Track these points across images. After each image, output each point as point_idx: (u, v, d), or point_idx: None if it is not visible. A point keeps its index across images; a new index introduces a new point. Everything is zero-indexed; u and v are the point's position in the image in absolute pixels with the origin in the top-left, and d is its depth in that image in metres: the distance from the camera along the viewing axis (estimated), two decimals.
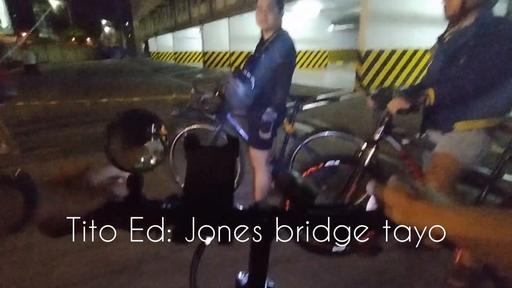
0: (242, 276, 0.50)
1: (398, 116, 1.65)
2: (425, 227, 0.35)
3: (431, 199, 0.37)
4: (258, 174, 2.23)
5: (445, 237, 0.34)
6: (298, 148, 2.53)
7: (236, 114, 2.55)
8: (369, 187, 0.42)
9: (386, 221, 0.40)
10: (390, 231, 0.41)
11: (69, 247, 2.02)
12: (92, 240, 2.07)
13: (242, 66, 2.23)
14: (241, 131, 2.54)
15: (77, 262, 1.91)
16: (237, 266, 1.75)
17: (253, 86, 1.94)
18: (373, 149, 1.81)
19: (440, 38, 1.68)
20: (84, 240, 2.07)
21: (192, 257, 0.49)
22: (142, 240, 2.05)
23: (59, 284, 1.73)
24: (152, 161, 0.45)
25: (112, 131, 0.43)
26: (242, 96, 1.97)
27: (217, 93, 2.35)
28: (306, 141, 2.51)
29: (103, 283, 1.75)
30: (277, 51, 1.93)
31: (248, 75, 1.95)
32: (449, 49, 1.58)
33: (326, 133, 2.54)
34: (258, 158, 2.19)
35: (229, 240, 0.39)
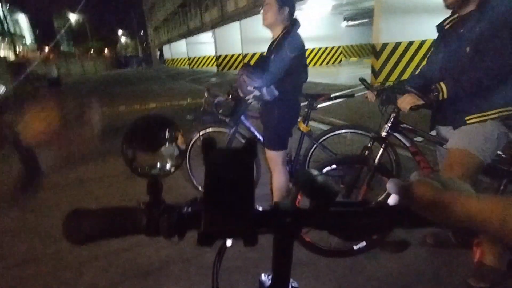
0: (265, 278, 0.49)
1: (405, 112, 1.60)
2: (454, 219, 0.35)
3: (459, 190, 0.37)
4: (275, 175, 2.23)
5: (477, 229, 0.34)
6: (314, 147, 2.50)
7: (250, 116, 2.56)
8: (390, 184, 0.41)
9: (413, 216, 0.39)
10: (417, 226, 0.40)
11: (96, 253, 2.09)
12: (119, 246, 2.15)
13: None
14: (256, 133, 2.55)
15: (104, 268, 1.98)
16: (259, 267, 1.76)
17: (264, 83, 1.95)
18: (382, 147, 1.76)
19: (440, 26, 1.60)
20: (111, 246, 2.15)
21: (214, 258, 0.50)
22: (166, 245, 2.11)
23: None
24: (170, 166, 0.45)
25: (129, 137, 0.44)
26: (253, 88, 1.98)
27: (230, 95, 2.37)
28: (321, 139, 2.49)
29: (130, 286, 1.80)
30: (286, 47, 1.93)
31: (259, 75, 1.96)
32: (452, 37, 1.50)
33: (341, 131, 2.50)
34: (274, 159, 2.19)
35: (254, 241, 0.39)
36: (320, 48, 15.87)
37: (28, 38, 40.87)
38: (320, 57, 16.18)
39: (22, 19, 40.74)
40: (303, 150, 2.54)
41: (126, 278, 1.86)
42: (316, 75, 11.09)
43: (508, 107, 1.44)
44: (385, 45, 7.91)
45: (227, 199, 0.39)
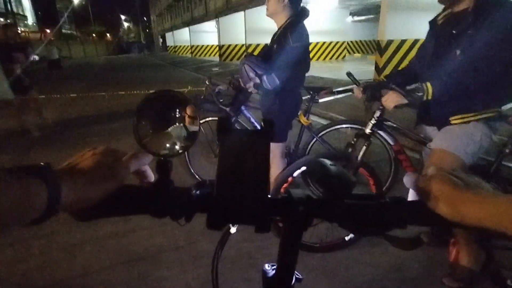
0: (268, 267, 0.49)
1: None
2: (474, 217, 0.33)
3: (479, 188, 0.35)
4: (273, 166, 2.22)
5: (496, 228, 0.32)
6: (313, 141, 2.49)
7: (251, 106, 2.54)
8: (407, 179, 0.40)
9: (429, 213, 0.37)
10: (433, 224, 0.39)
11: (90, 236, 2.09)
12: (112, 230, 2.15)
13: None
14: (256, 123, 2.53)
15: (98, 251, 1.98)
16: (253, 258, 1.76)
17: (266, 71, 1.93)
18: (365, 144, 1.74)
19: (433, 22, 1.57)
20: (105, 230, 2.15)
21: (216, 245, 0.48)
22: (159, 231, 2.11)
23: (81, 271, 1.80)
24: (180, 146, 0.43)
25: (141, 114, 0.41)
26: (254, 75, 1.96)
27: (232, 85, 2.35)
28: (321, 133, 2.48)
29: (122, 271, 1.80)
30: (289, 37, 1.90)
31: (262, 64, 1.94)
32: (444, 36, 1.47)
33: (341, 126, 2.49)
34: (273, 151, 2.18)
35: (267, 228, 0.37)
36: (324, 42, 15.72)
37: (30, 19, 40.33)
38: (324, 51, 16.04)
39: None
40: (302, 143, 2.52)
41: (118, 263, 1.87)
42: (319, 69, 11.01)
43: (491, 109, 1.44)
44: (390, 42, 7.83)
45: (241, 183, 0.37)
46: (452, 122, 1.47)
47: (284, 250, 0.45)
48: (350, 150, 1.77)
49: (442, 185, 0.36)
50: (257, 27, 13.97)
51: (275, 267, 0.47)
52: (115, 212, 0.40)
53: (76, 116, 5.91)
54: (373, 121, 1.72)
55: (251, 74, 1.97)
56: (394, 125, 1.75)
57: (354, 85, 1.90)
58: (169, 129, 0.43)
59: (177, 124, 0.43)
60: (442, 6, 1.50)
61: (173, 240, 2.04)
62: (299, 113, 2.36)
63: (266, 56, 2.03)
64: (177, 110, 0.43)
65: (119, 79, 12.27)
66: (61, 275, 1.78)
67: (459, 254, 1.55)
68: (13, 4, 31.56)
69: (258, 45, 14.68)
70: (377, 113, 1.71)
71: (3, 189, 0.30)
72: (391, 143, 1.76)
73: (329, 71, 10.86)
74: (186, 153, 2.70)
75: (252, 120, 2.57)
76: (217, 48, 19.07)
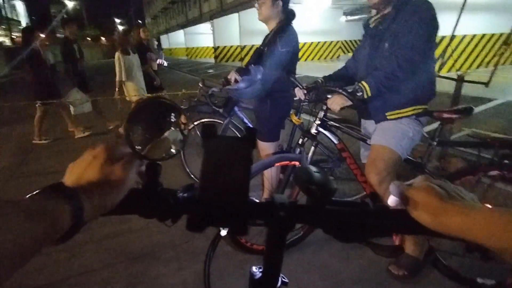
0: (256, 270, 0.49)
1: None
2: (457, 228, 0.34)
3: (462, 199, 0.36)
4: None
5: (476, 240, 0.33)
6: (305, 141, 2.55)
7: (244, 107, 2.60)
8: (392, 187, 0.40)
9: (412, 222, 0.38)
10: (416, 233, 0.39)
11: (90, 236, 2.14)
12: (111, 230, 2.20)
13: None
14: (249, 124, 2.59)
15: (97, 251, 2.03)
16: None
17: (258, 78, 1.99)
18: (313, 145, 1.81)
19: (366, 25, 1.71)
20: (104, 230, 2.20)
21: (208, 247, 0.50)
22: (157, 231, 2.16)
23: (80, 270, 1.85)
24: (172, 150, 0.45)
25: (132, 119, 0.43)
26: (250, 92, 2.02)
27: (225, 87, 2.40)
28: None
29: (120, 269, 1.85)
30: (278, 42, 1.96)
31: (252, 69, 2.00)
32: (374, 34, 1.61)
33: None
34: (266, 150, 2.24)
35: (244, 232, 0.39)
36: (318, 42, 15.81)
37: (24, 23, 40.16)
38: (318, 51, 16.13)
39: (19, 4, 40.02)
40: (294, 142, 2.58)
41: (118, 261, 1.92)
42: (313, 69, 11.08)
43: (420, 105, 1.58)
44: None
45: (223, 187, 0.38)
46: (388, 117, 1.60)
47: (269, 253, 0.46)
48: (299, 150, 1.83)
49: (426, 195, 0.36)
50: (251, 28, 14.02)
51: (261, 269, 0.49)
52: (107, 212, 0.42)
53: None
54: (317, 122, 1.79)
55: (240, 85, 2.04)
56: (337, 125, 1.82)
57: (297, 87, 1.99)
58: (166, 134, 0.45)
59: (173, 128, 0.46)
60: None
61: (170, 239, 2.09)
62: (290, 113, 2.42)
63: (258, 59, 2.09)
64: (172, 115, 0.45)
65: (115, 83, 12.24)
66: (61, 274, 1.82)
67: (404, 243, 1.66)
68: (7, 10, 31.39)
69: (252, 46, 14.75)
70: (321, 114, 1.78)
71: (31, 217, 0.31)
72: (335, 142, 1.83)
73: (323, 71, 10.91)
74: (182, 153, 2.76)
75: (245, 120, 2.63)
76: (212, 49, 19.11)
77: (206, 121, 2.62)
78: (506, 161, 1.41)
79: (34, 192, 0.34)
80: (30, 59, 4.06)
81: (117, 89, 4.32)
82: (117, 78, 4.22)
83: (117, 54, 4.17)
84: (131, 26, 4.15)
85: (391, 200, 0.41)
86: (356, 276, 1.73)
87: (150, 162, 0.43)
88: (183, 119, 0.46)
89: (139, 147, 0.43)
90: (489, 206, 0.34)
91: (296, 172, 0.47)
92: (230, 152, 0.40)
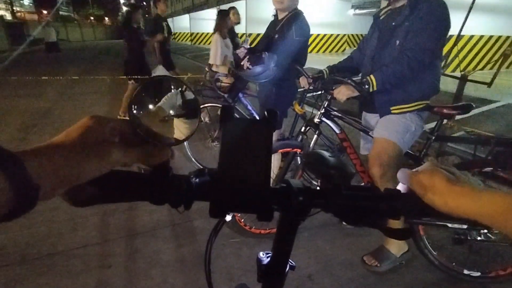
0: (263, 256, 0.49)
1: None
2: (463, 210, 0.35)
3: (469, 182, 0.37)
4: None
5: (483, 221, 0.34)
6: (307, 129, 2.59)
7: (248, 94, 2.63)
8: (401, 174, 0.41)
9: (422, 205, 0.39)
10: (425, 215, 0.40)
11: (91, 212, 2.20)
12: (113, 208, 2.25)
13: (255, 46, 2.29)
14: (253, 111, 2.62)
15: (98, 226, 2.09)
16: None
17: (272, 66, 2.01)
18: (316, 133, 1.85)
19: (376, 17, 1.72)
20: (105, 207, 2.26)
21: (210, 233, 0.49)
22: (157, 209, 2.22)
23: (82, 243, 1.91)
24: (182, 134, 0.41)
25: (137, 102, 0.39)
26: (264, 77, 2.04)
27: (230, 72, 2.43)
28: None
29: (121, 244, 1.92)
30: (293, 30, 1.98)
31: (264, 55, 2.02)
32: (385, 29, 1.62)
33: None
34: None
35: (269, 217, 0.37)
36: (325, 35, 15.66)
37: None
38: (324, 44, 16.00)
39: None
40: (296, 131, 2.62)
41: (118, 237, 1.98)
42: (318, 61, 11.01)
43: (423, 100, 1.62)
44: None
45: (243, 171, 0.37)
46: (393, 111, 1.64)
47: (281, 238, 0.45)
48: (301, 138, 1.87)
49: (435, 178, 0.37)
50: (258, 16, 13.89)
51: (269, 255, 0.48)
52: (112, 199, 0.39)
53: None
54: (321, 111, 1.82)
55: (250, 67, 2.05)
56: (340, 115, 1.86)
57: (302, 76, 2.01)
58: (163, 100, 0.41)
59: (171, 92, 0.41)
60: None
61: (170, 218, 2.15)
62: (294, 102, 2.46)
63: (267, 46, 2.10)
64: (179, 95, 0.41)
65: (119, 63, 12.20)
66: (63, 246, 1.89)
67: (387, 238, 1.73)
68: None
69: (258, 34, 14.61)
70: (325, 104, 1.82)
71: None
72: (337, 131, 1.87)
73: (328, 63, 10.86)
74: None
75: (249, 107, 2.66)
76: None
77: (210, 107, 2.65)
78: (500, 159, 1.46)
79: None
80: (130, 38, 4.12)
81: (207, 71, 3.99)
82: (211, 61, 3.90)
83: (215, 36, 3.90)
84: (228, 9, 3.92)
85: (400, 188, 0.42)
86: (348, 261, 1.80)
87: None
88: (195, 101, 0.42)
89: (149, 131, 0.39)
90: (497, 189, 0.35)
91: (308, 157, 0.47)
92: (250, 135, 0.38)
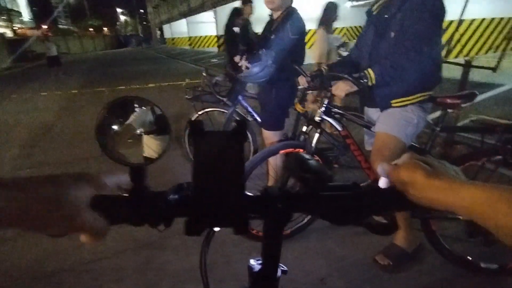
0: (254, 263, 0.49)
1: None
2: (443, 203, 0.35)
3: (447, 173, 0.37)
4: None
5: (462, 214, 0.34)
6: (309, 129, 2.55)
7: (248, 96, 2.60)
8: (380, 168, 0.41)
9: (403, 199, 0.39)
10: (407, 209, 0.40)
11: None
12: None
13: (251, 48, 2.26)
14: (253, 113, 2.59)
15: (106, 239, 2.06)
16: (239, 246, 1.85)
17: (269, 62, 1.98)
18: (317, 132, 1.81)
19: (369, 12, 1.68)
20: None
21: (202, 244, 0.49)
22: None
23: (90, 258, 1.90)
24: (153, 153, 0.41)
25: (103, 124, 0.40)
26: (263, 75, 2.02)
27: (228, 75, 2.40)
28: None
29: (130, 256, 1.90)
30: (288, 29, 1.95)
31: (263, 53, 1.99)
32: (378, 22, 1.58)
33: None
34: (271, 139, 2.25)
35: (245, 230, 0.38)
36: None
37: (26, 15, 40.11)
38: None
39: None
40: (299, 131, 2.59)
41: (127, 248, 1.97)
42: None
43: (425, 92, 1.57)
44: None
45: (217, 185, 0.37)
46: (393, 105, 1.59)
47: (267, 245, 0.45)
48: (302, 138, 1.83)
49: (413, 172, 0.37)
50: (254, 16, 13.84)
51: (260, 261, 0.48)
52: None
53: None
54: (322, 109, 1.79)
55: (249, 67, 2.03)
56: (341, 112, 1.82)
57: (300, 75, 1.97)
58: (130, 119, 0.42)
59: (138, 110, 0.42)
60: None
61: (177, 227, 2.12)
62: (295, 102, 2.42)
63: (264, 46, 2.07)
64: (146, 113, 0.41)
65: (118, 73, 12.28)
66: (72, 262, 1.88)
67: (396, 235, 1.68)
68: (7, 1, 31.27)
69: (255, 34, 14.56)
70: (325, 101, 1.77)
71: None
72: (339, 129, 1.83)
73: None
74: (187, 142, 2.78)
75: (250, 109, 2.63)
76: (216, 38, 18.91)
77: (210, 111, 2.63)
78: (509, 146, 1.41)
79: None
80: (233, 39, 4.08)
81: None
82: (317, 59, 3.50)
83: (320, 32, 3.47)
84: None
85: (382, 182, 0.42)
86: (360, 261, 1.75)
87: (131, 168, 0.40)
88: (162, 118, 0.43)
89: (115, 153, 0.40)
90: (476, 181, 0.35)
91: (287, 160, 0.47)
92: (221, 147, 0.38)
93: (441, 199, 0.35)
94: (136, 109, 0.42)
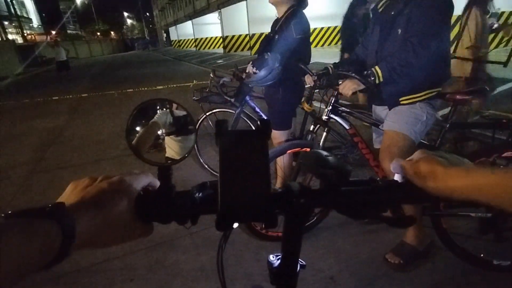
0: (273, 258, 0.50)
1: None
2: (464, 191, 0.36)
3: (460, 163, 0.39)
4: None
5: (480, 199, 0.35)
6: (317, 127, 2.55)
7: (255, 96, 2.61)
8: (394, 165, 0.42)
9: (419, 192, 0.40)
10: (424, 201, 0.42)
11: None
12: None
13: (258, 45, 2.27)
14: (261, 113, 2.60)
15: None
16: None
17: (276, 65, 1.99)
18: (325, 131, 1.81)
19: (375, 9, 1.66)
20: None
21: (219, 240, 0.50)
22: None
23: (103, 258, 1.94)
24: (179, 153, 0.43)
25: (132, 126, 0.42)
26: (271, 78, 2.03)
27: (235, 76, 2.42)
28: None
29: (142, 256, 1.93)
30: (292, 28, 1.95)
31: (266, 56, 1.99)
32: (385, 20, 1.56)
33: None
34: (278, 139, 2.26)
35: (274, 223, 0.38)
36: (329, 27, 15.48)
37: (35, 21, 40.93)
38: (328, 37, 15.82)
39: (28, 1, 40.63)
40: (306, 130, 2.59)
41: (138, 249, 2.00)
42: (322, 55, 10.90)
43: (433, 89, 1.55)
44: None
45: (244, 182, 0.38)
46: (402, 102, 1.58)
47: (288, 240, 0.46)
48: (310, 137, 1.83)
49: (429, 165, 0.38)
50: (259, 16, 13.84)
51: (279, 257, 0.49)
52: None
53: None
54: (329, 108, 1.78)
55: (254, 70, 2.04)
56: (348, 110, 1.81)
57: (307, 74, 1.97)
58: (153, 120, 0.44)
59: (159, 112, 0.44)
60: None
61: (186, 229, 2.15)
62: (302, 101, 2.42)
63: (268, 47, 2.08)
64: (173, 118, 0.43)
65: (126, 76, 12.44)
66: (86, 262, 1.92)
67: (407, 232, 1.68)
68: (16, 7, 31.91)
69: (261, 34, 14.58)
70: (332, 100, 1.77)
71: (14, 239, 0.27)
72: (347, 127, 1.83)
73: (333, 57, 10.73)
74: (196, 145, 2.80)
75: (257, 109, 2.64)
76: (221, 39, 18.99)
77: (218, 112, 2.65)
78: None
79: (18, 210, 0.32)
80: (351, 33, 3.69)
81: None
82: (471, 42, 3.06)
83: (474, 12, 3.08)
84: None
85: (396, 178, 0.43)
86: (371, 259, 1.75)
87: (160, 167, 0.42)
88: (188, 118, 0.45)
89: (146, 153, 0.42)
90: (493, 167, 0.36)
91: (304, 158, 0.47)
92: (246, 146, 0.39)
93: (459, 187, 0.36)
94: (158, 111, 0.44)
